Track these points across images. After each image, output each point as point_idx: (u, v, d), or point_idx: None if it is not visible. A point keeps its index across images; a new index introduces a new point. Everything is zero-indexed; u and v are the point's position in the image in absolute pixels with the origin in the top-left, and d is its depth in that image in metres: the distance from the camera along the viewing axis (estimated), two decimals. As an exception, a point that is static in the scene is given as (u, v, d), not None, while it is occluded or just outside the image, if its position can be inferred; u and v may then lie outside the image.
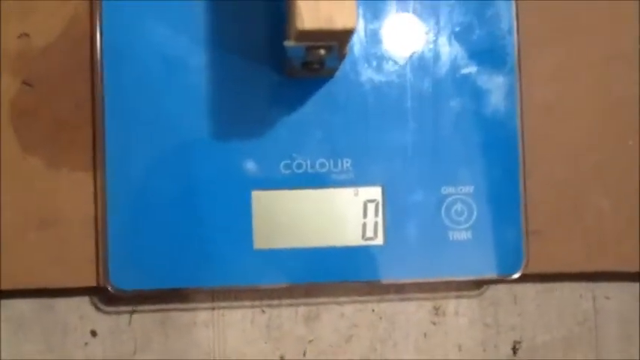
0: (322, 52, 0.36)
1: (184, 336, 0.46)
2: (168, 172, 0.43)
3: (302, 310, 0.47)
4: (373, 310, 0.47)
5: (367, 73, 0.44)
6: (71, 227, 0.44)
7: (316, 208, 0.44)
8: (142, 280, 0.43)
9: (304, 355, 0.47)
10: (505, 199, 0.44)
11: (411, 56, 0.44)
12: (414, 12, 0.45)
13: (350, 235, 0.44)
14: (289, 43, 0.35)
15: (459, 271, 0.44)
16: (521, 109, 0.45)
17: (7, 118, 0.43)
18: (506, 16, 0.45)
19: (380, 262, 0.44)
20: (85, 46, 0.44)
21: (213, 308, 0.46)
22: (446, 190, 0.44)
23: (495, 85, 0.45)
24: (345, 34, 0.34)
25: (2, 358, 0.45)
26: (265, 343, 0.47)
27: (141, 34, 0.43)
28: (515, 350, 0.48)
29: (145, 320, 0.46)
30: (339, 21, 0.33)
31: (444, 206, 0.44)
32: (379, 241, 0.44)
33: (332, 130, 0.44)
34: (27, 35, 0.44)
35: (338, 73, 0.44)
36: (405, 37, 0.44)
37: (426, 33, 0.44)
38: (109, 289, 0.42)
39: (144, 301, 0.46)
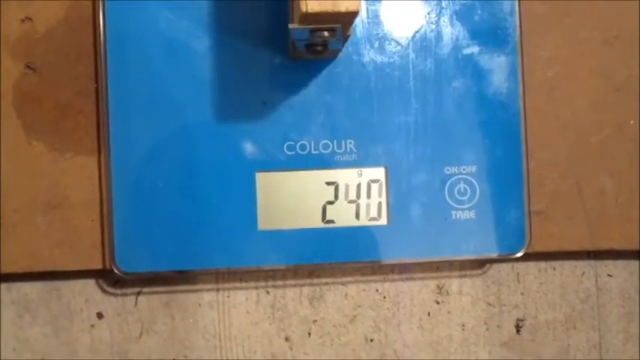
0: (326, 34, 0.36)
1: (190, 317, 0.47)
2: (173, 155, 0.43)
3: (306, 290, 0.47)
4: (377, 290, 0.48)
5: (369, 55, 0.44)
6: (76, 210, 0.44)
7: (320, 188, 0.44)
8: (147, 262, 0.43)
9: (309, 335, 0.47)
10: (508, 179, 0.45)
11: (413, 37, 0.44)
12: (416, -8, 0.45)
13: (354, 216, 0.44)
14: (293, 26, 0.35)
15: (463, 251, 0.45)
16: (524, 89, 0.45)
17: (10, 103, 0.44)
18: (508, -4, 0.45)
19: (384, 242, 0.44)
20: (88, 30, 0.44)
21: (218, 289, 0.47)
22: (449, 170, 0.44)
23: (497, 66, 0.45)
24: (349, 17, 0.34)
25: (8, 341, 0.46)
26: (270, 323, 0.47)
27: (144, 17, 0.43)
28: (518, 328, 0.48)
29: (150, 302, 0.46)
30: (343, 3, 0.33)
31: (447, 186, 0.44)
32: (383, 221, 0.44)
33: (335, 112, 0.44)
34: (30, 19, 0.44)
35: (340, 55, 0.44)
36: (406, 18, 0.44)
37: (428, 13, 0.44)
38: (115, 271, 0.43)
39: (149, 282, 0.46)
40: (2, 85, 0.43)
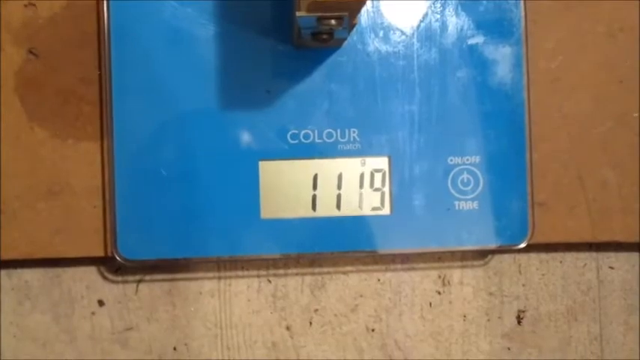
0: (333, 22, 0.36)
1: (191, 305, 0.46)
2: (176, 143, 0.43)
3: (308, 279, 0.47)
4: (379, 280, 0.48)
5: (374, 44, 0.44)
6: (78, 197, 0.44)
7: (323, 178, 0.44)
8: (149, 249, 0.43)
9: (310, 324, 0.47)
10: (511, 170, 0.45)
11: (418, 26, 0.44)
12: (422, -18, 0.45)
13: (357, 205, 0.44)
14: (301, 14, 0.35)
15: (465, 241, 0.45)
16: (528, 80, 0.45)
17: (12, 89, 0.43)
18: (513, -14, 0.45)
19: (386, 232, 0.44)
20: (92, 16, 0.44)
21: (220, 278, 0.47)
22: (452, 160, 0.44)
23: (502, 56, 0.45)
24: (357, 5, 0.34)
25: (9, 328, 0.46)
26: (271, 312, 0.47)
27: (147, 4, 0.43)
28: (519, 319, 0.48)
29: (151, 289, 0.46)
30: (351, -8, 0.33)
31: (450, 176, 0.44)
32: (386, 211, 0.44)
33: (339, 101, 0.44)
34: (33, 5, 0.43)
35: (345, 44, 0.44)
36: (412, 8, 0.44)
37: (433, 3, 0.44)
38: (117, 258, 0.43)
39: (151, 270, 0.46)
40: (5, 71, 0.43)
